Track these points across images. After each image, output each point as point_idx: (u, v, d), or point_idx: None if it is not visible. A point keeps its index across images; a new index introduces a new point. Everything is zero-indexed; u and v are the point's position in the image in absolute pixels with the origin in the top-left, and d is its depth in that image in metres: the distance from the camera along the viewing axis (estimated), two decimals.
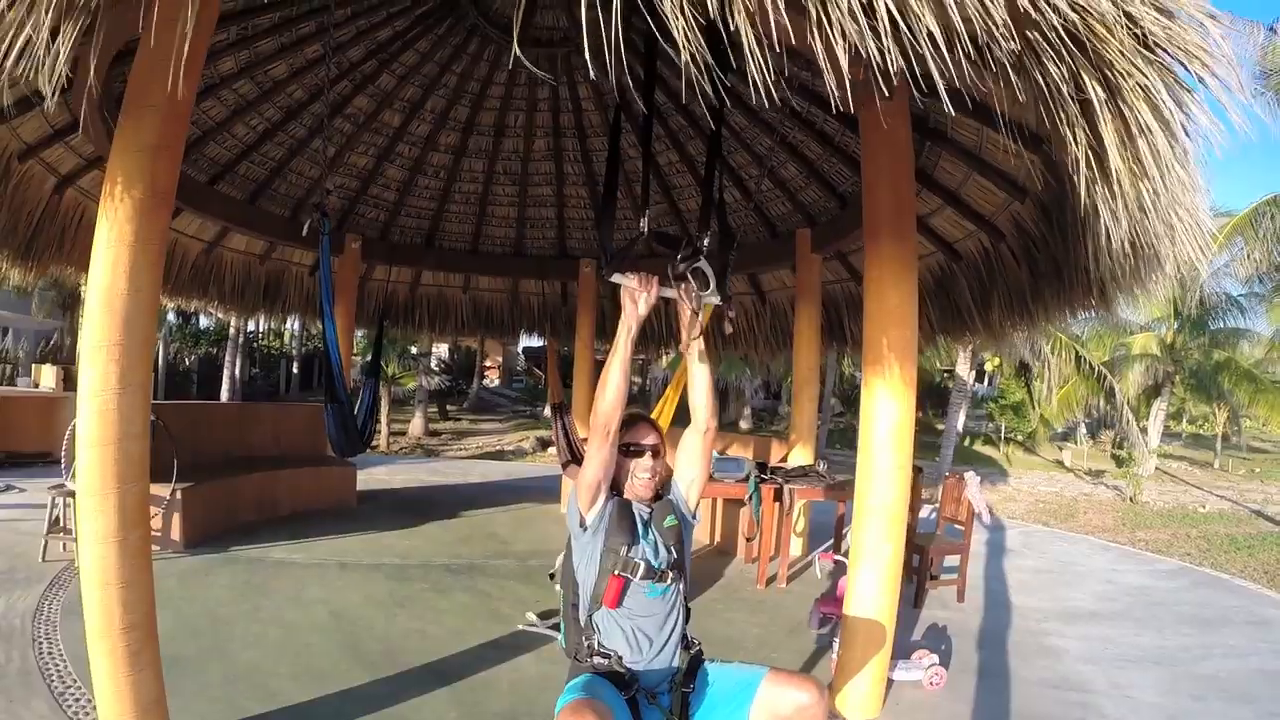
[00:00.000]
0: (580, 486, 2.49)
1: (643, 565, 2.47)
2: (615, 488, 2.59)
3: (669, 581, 2.53)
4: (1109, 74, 2.22)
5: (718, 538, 7.55)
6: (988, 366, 25.26)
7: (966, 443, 23.19)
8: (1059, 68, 2.17)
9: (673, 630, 2.56)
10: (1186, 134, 2.47)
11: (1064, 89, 2.23)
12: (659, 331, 10.32)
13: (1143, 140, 2.35)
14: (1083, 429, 24.29)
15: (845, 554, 4.49)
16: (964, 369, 19.95)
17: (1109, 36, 2.13)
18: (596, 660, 2.49)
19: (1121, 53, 2.17)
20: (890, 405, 3.83)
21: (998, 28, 1.97)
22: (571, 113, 7.63)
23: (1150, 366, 20.21)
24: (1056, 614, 5.94)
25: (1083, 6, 2.07)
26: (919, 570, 5.90)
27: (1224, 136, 2.45)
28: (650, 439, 2.60)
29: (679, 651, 2.57)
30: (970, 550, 6.30)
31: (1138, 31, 2.17)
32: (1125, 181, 2.49)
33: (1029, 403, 22.52)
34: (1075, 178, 2.53)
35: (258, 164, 7.49)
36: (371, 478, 9.98)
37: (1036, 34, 2.08)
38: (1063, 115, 2.33)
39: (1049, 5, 2.02)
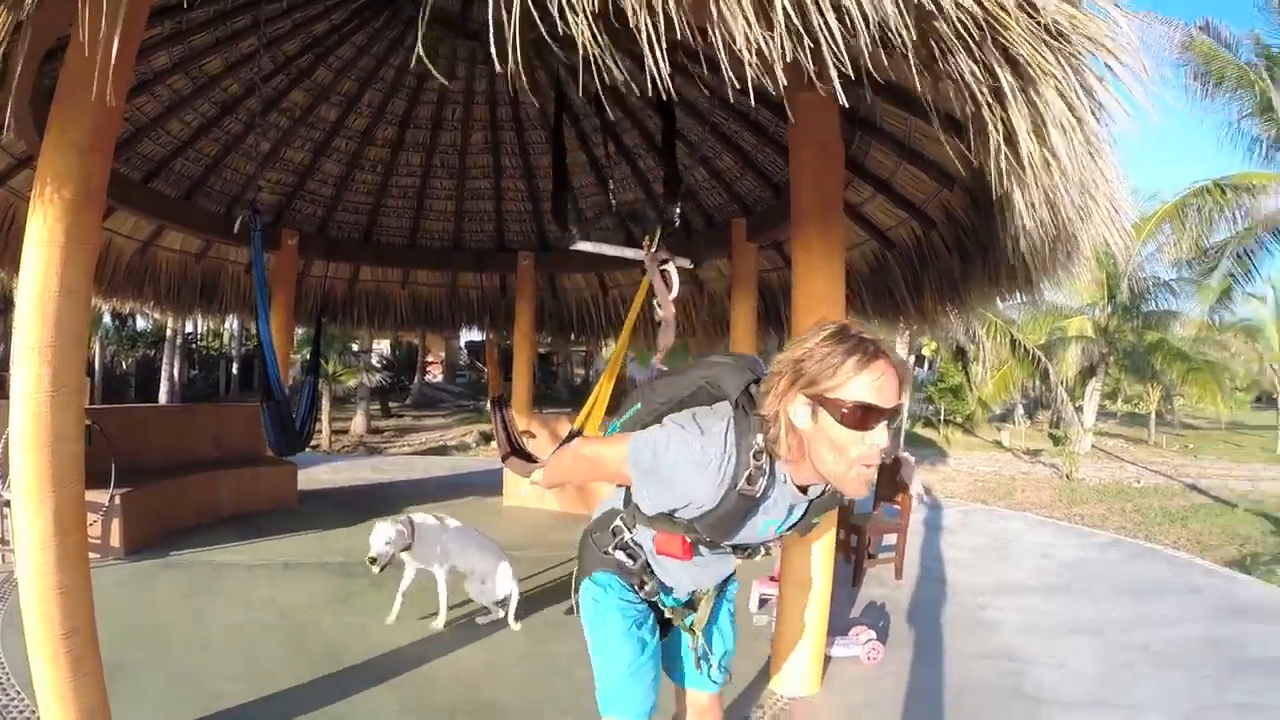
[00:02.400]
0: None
1: (729, 547, 1.94)
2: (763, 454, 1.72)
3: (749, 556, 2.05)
4: (1017, 63, 2.30)
5: None
6: (926, 351, 25.77)
7: (908, 425, 23.71)
8: (968, 57, 2.25)
9: (720, 576, 2.21)
10: (1097, 120, 2.58)
11: (975, 78, 2.30)
12: (599, 323, 10.33)
13: (1053, 128, 2.44)
14: (1020, 410, 24.89)
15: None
16: (902, 353, 20.24)
17: (1014, 26, 2.21)
18: (621, 557, 2.09)
19: (1028, 42, 2.25)
20: None
21: (897, 18, 2.03)
22: (509, 105, 7.61)
23: (1085, 348, 20.94)
24: (993, 588, 6.12)
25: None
26: (857, 549, 6.03)
27: (1136, 123, 2.56)
28: (897, 397, 1.63)
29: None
30: (909, 529, 6.46)
31: (1044, 21, 2.25)
32: (1038, 168, 2.58)
33: (967, 385, 22.99)
34: (989, 165, 2.63)
35: (193, 160, 7.34)
36: (313, 477, 9.90)
37: (942, 24, 2.14)
38: (975, 104, 2.41)
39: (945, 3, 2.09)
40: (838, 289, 4.00)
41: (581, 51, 1.94)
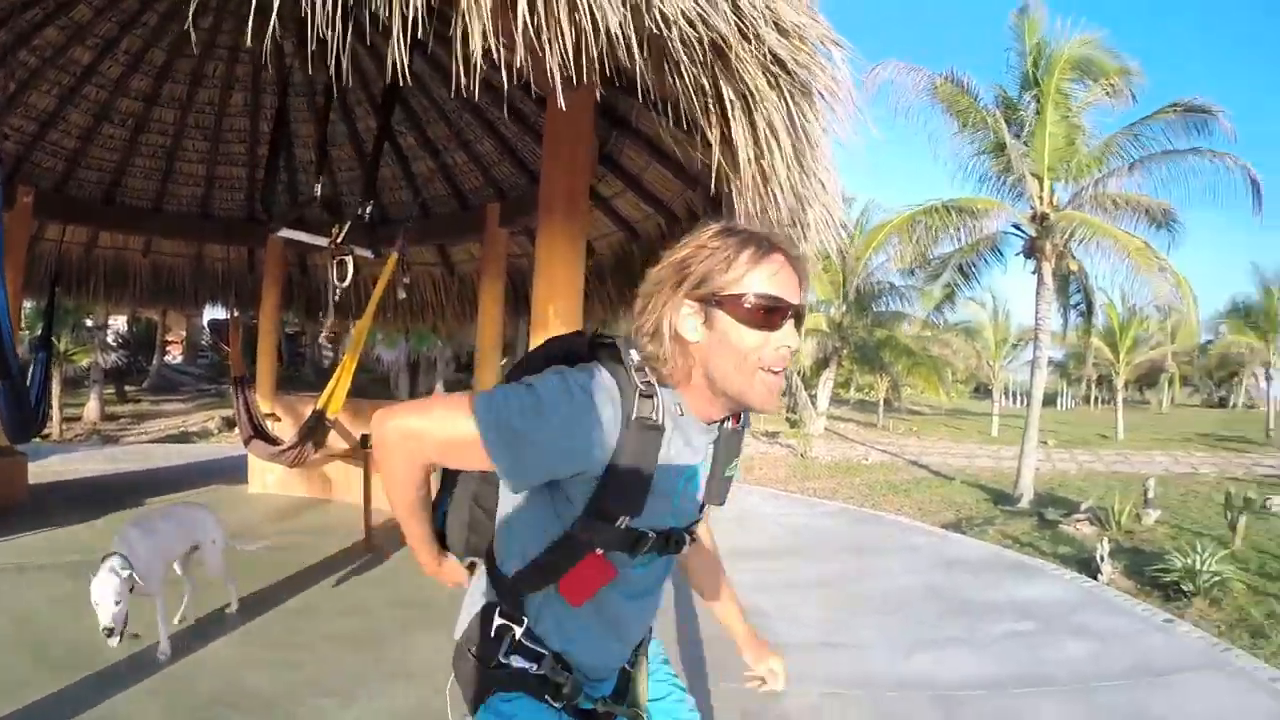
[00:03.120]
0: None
1: (652, 536, 1.44)
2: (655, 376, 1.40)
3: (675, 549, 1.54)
4: (741, 83, 2.65)
5: None
6: None
7: None
8: (696, 74, 2.58)
9: (651, 616, 1.70)
10: (809, 141, 3.02)
11: (703, 92, 2.65)
12: (350, 303, 9.53)
13: (769, 142, 2.83)
14: None
15: None
16: None
17: (742, 52, 2.57)
18: (520, 663, 1.50)
19: (750, 67, 2.61)
20: None
21: (627, 33, 2.32)
22: (274, 69, 7.00)
23: (821, 342, 22.90)
24: (731, 553, 6.61)
25: (707, 24, 2.46)
26: None
27: (854, 142, 3.08)
28: (800, 293, 1.41)
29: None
30: None
31: (765, 50, 2.62)
32: (755, 176, 2.98)
33: None
34: (712, 170, 2.99)
35: None
36: (45, 469, 9.05)
37: (672, 43, 2.45)
38: (705, 114, 2.76)
39: (675, 23, 2.39)
40: (577, 277, 4.27)
41: (318, 34, 2.07)
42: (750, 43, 2.60)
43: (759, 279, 1.34)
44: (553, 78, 2.33)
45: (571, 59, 2.29)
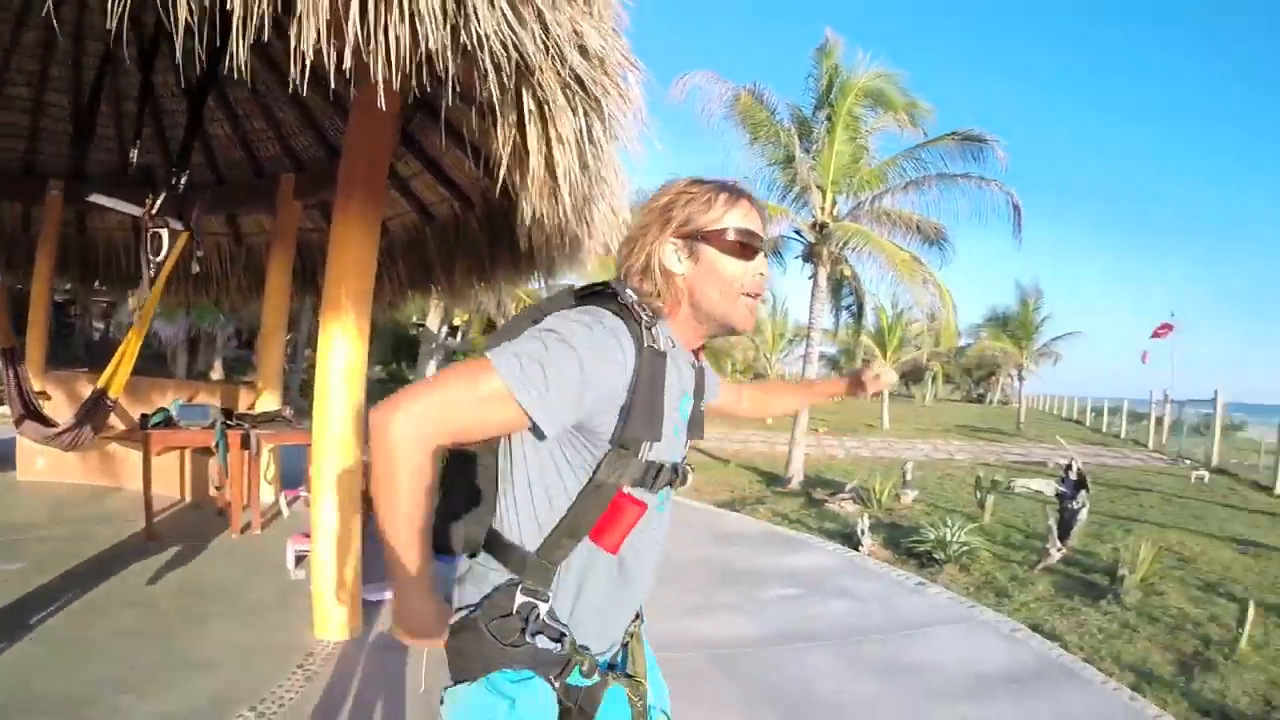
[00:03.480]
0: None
1: (667, 466, 1.51)
2: (650, 311, 1.48)
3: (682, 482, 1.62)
4: (541, 95, 2.84)
5: (189, 491, 7.33)
6: (458, 320, 26.61)
7: None
8: (503, 84, 2.75)
9: (657, 570, 1.71)
10: (599, 147, 3.21)
11: (506, 101, 2.84)
12: (130, 270, 8.93)
13: (560, 148, 3.04)
14: None
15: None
16: (434, 322, 21.61)
17: (546, 70, 2.76)
18: (543, 643, 1.48)
19: (550, 82, 2.82)
20: (345, 351, 4.17)
21: (443, 49, 2.48)
22: (75, 6, 5.86)
23: None
24: None
25: (518, 46, 2.63)
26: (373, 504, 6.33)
27: (642, 151, 3.40)
28: (765, 230, 1.61)
29: None
30: None
31: (566, 70, 2.83)
32: (545, 177, 3.18)
33: None
34: (503, 164, 3.17)
35: None
36: None
37: (483, 60, 2.59)
38: (503, 118, 2.95)
39: (488, 42, 2.53)
40: (371, 259, 4.29)
41: None
42: (554, 63, 2.79)
43: (736, 216, 1.52)
44: (375, 80, 2.45)
45: (394, 67, 2.42)
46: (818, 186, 14.52)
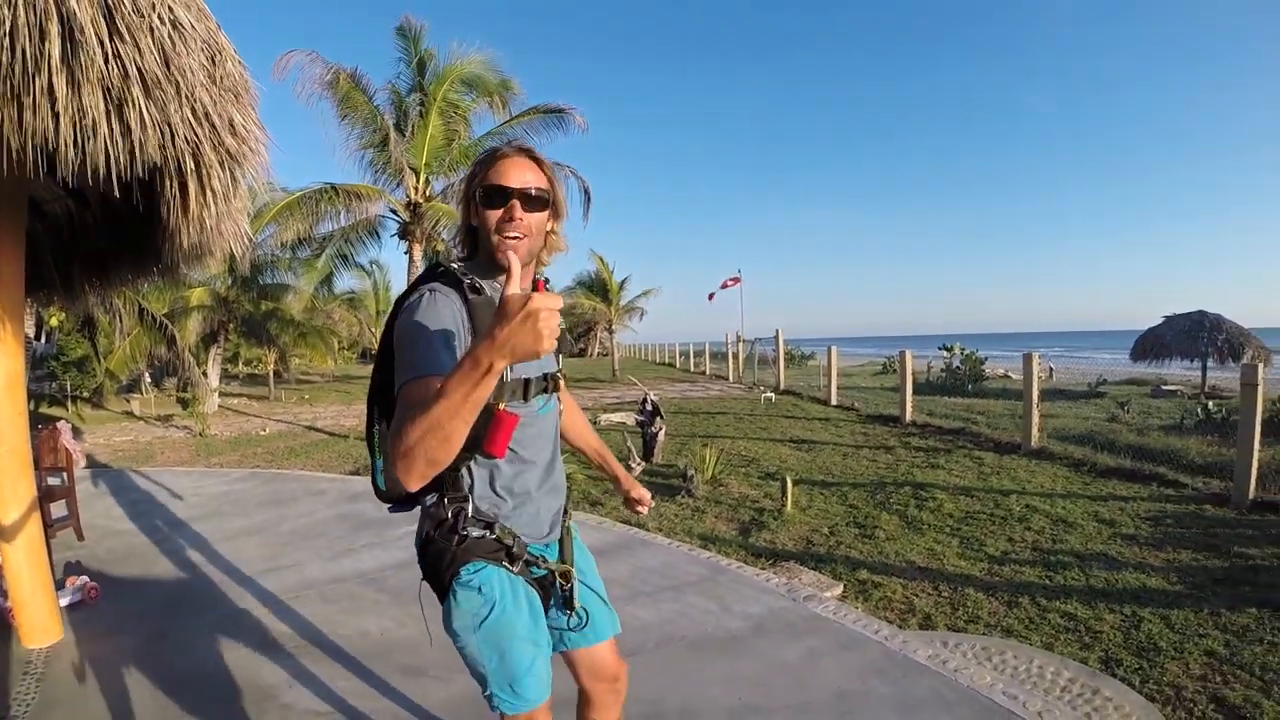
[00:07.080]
0: None
1: (534, 379, 1.96)
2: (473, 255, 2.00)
3: (554, 387, 2.09)
4: (202, 160, 3.73)
5: None
6: (53, 321, 24.02)
7: (33, 406, 21.85)
8: (178, 157, 3.59)
9: (559, 459, 2.15)
10: (234, 185, 4.01)
11: (175, 165, 3.67)
12: None
13: (209, 186, 3.85)
14: (148, 378, 24.97)
15: None
16: (30, 326, 19.08)
17: (209, 148, 3.70)
18: (477, 531, 1.92)
19: (209, 154, 3.74)
20: (4, 364, 4.39)
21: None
22: None
23: (207, 316, 22.39)
24: (169, 524, 7.55)
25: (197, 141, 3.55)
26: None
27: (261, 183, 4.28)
28: (523, 178, 1.90)
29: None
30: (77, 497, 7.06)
31: (222, 144, 3.79)
32: (198, 202, 3.91)
33: (94, 358, 22.23)
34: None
35: None
36: None
37: (165, 148, 3.47)
38: (173, 175, 3.76)
39: (171, 124, 3.44)
40: (18, 270, 4.55)
41: None
42: (216, 141, 3.76)
43: (486, 174, 1.88)
44: None
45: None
46: (411, 168, 15.31)
